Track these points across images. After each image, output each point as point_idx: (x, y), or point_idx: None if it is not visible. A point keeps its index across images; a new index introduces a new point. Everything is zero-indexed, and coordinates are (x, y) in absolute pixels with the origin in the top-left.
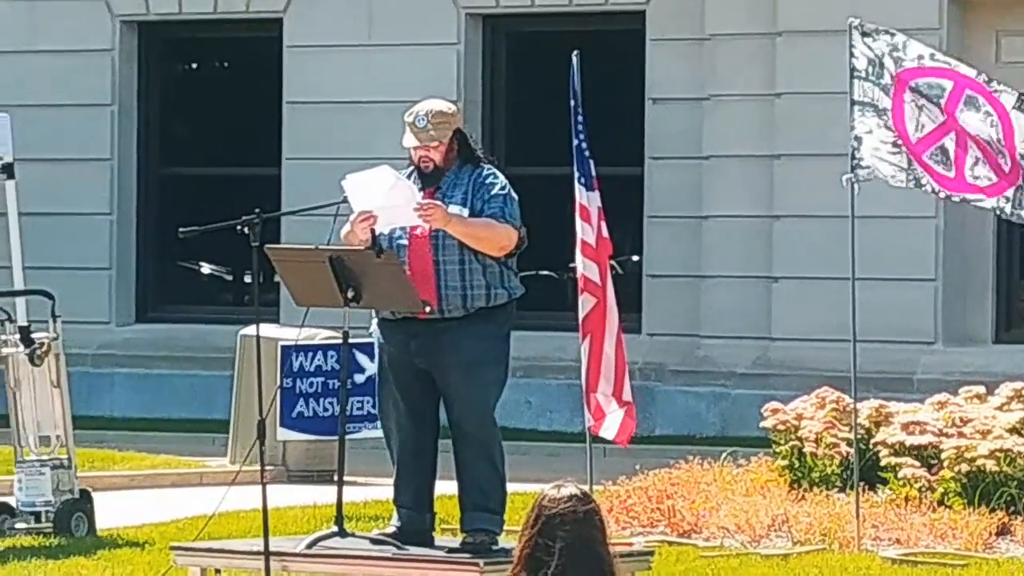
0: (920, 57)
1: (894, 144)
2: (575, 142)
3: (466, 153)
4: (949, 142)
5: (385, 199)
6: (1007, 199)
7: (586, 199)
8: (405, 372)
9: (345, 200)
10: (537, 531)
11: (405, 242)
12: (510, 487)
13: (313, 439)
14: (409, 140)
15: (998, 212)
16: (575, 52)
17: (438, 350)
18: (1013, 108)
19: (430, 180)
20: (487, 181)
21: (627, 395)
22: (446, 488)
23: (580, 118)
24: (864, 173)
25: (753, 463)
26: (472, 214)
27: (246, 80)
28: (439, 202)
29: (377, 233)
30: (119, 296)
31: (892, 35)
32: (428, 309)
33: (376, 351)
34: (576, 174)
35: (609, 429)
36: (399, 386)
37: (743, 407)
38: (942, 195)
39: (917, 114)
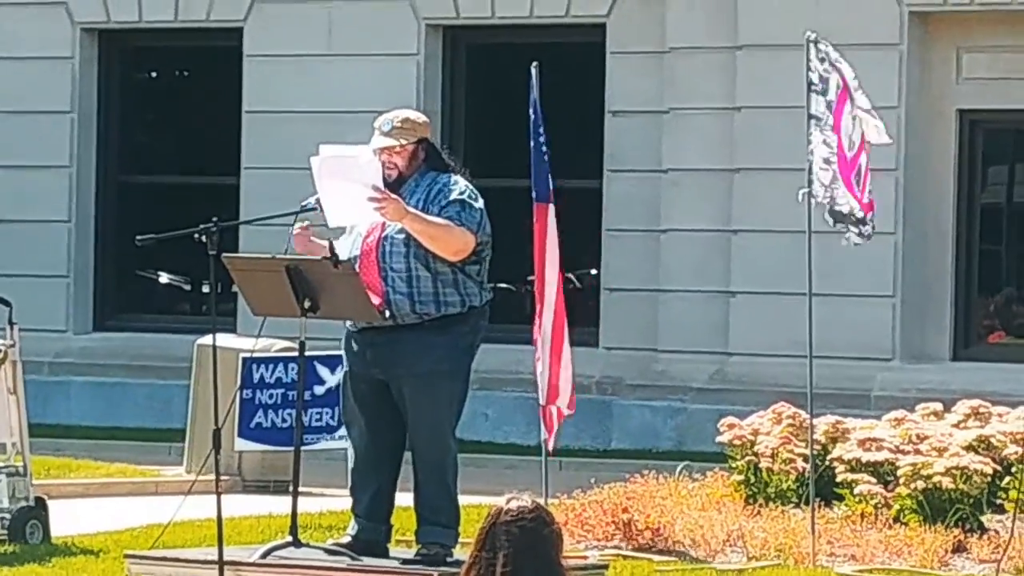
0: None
1: (825, 160)
2: (536, 155)
3: (435, 162)
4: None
5: (358, 174)
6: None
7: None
8: (363, 383)
9: (303, 209)
10: (483, 541)
11: (357, 253)
12: (466, 499)
13: (270, 449)
14: (374, 141)
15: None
16: (534, 64)
17: (393, 360)
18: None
19: (391, 188)
20: (445, 187)
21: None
22: (402, 500)
23: (541, 130)
24: (817, 188)
25: (709, 478)
26: None
27: (206, 89)
28: (396, 196)
29: (332, 226)
30: (77, 304)
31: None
32: (387, 315)
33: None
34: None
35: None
36: (357, 398)
37: (700, 422)
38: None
39: (851, 130)
